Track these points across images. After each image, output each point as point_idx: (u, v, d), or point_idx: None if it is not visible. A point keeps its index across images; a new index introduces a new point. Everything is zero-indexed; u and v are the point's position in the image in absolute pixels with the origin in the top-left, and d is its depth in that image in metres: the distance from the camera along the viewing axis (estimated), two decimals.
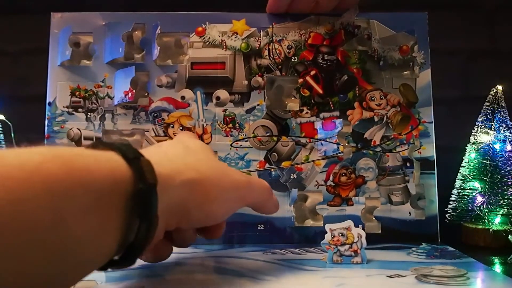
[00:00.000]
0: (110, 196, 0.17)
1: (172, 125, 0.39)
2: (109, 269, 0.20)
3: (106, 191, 0.17)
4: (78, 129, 0.38)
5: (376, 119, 0.39)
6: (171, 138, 0.39)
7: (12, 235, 0.14)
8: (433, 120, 0.39)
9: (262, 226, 0.37)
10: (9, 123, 0.38)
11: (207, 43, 0.40)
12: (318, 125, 0.39)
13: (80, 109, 0.39)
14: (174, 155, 0.24)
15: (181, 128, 0.39)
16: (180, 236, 0.26)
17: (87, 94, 0.39)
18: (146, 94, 0.39)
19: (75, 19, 0.39)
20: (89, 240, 0.17)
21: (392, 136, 0.39)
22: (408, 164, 0.38)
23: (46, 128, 0.38)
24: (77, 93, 0.39)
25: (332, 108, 0.39)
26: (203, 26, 0.40)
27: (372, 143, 0.39)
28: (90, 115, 0.39)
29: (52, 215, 0.15)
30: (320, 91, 0.39)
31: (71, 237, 0.16)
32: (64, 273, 0.16)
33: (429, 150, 0.39)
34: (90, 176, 0.17)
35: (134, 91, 0.39)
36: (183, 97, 0.39)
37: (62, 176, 0.16)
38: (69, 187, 0.16)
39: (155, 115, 0.39)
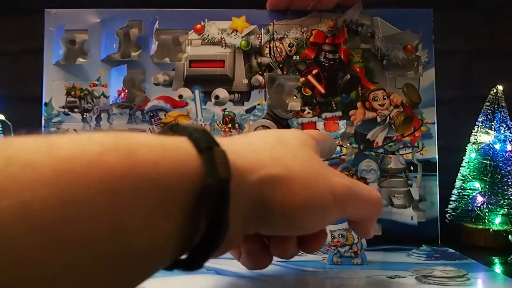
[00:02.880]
0: (176, 194, 0.15)
1: None
2: (175, 269, 0.17)
3: (172, 189, 0.15)
4: (75, 130, 0.39)
5: (379, 119, 0.40)
6: None
7: (62, 249, 0.12)
8: (436, 121, 0.40)
9: None
10: (9, 123, 0.38)
11: (206, 41, 0.40)
12: (320, 125, 0.40)
13: (76, 109, 0.39)
14: (260, 146, 0.20)
15: None
16: (277, 245, 0.23)
17: (82, 94, 0.39)
18: (141, 93, 0.40)
19: (70, 16, 0.40)
20: (149, 249, 0.14)
21: (394, 138, 0.40)
22: (412, 168, 0.40)
23: (43, 129, 0.39)
24: (72, 92, 0.39)
25: (335, 108, 0.40)
26: (202, 23, 0.40)
27: (374, 144, 0.40)
28: (86, 115, 0.39)
29: (111, 221, 0.13)
30: (322, 91, 0.40)
31: (129, 249, 0.14)
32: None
33: (431, 151, 0.40)
34: (155, 172, 0.14)
35: (126, 90, 0.39)
36: (180, 96, 0.40)
37: (125, 171, 0.14)
38: (132, 186, 0.14)
39: (151, 114, 0.40)
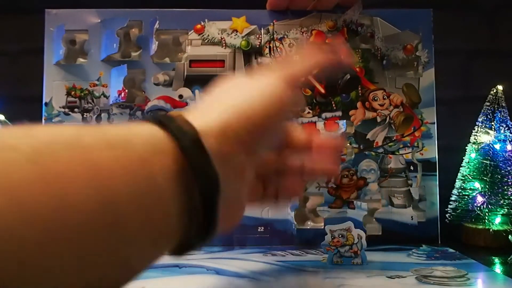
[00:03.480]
0: (158, 165, 0.15)
1: None
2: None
3: (153, 160, 0.15)
4: None
5: (378, 119, 0.40)
6: None
7: (55, 241, 0.12)
8: (435, 121, 0.40)
9: (262, 228, 0.38)
10: (9, 123, 0.39)
11: (206, 41, 0.40)
12: (320, 125, 0.40)
13: (76, 109, 0.40)
14: (220, 98, 0.21)
15: None
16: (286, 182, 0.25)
17: (82, 94, 0.40)
18: (141, 93, 0.40)
19: (70, 16, 0.40)
20: (145, 222, 0.15)
21: (394, 138, 0.40)
22: (411, 168, 0.40)
23: None
24: (72, 92, 0.39)
25: (335, 108, 0.40)
26: (202, 23, 0.40)
27: (374, 144, 0.40)
28: (86, 115, 0.40)
29: (105, 211, 0.13)
30: (322, 91, 0.40)
31: (128, 239, 0.14)
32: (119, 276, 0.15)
33: (431, 151, 0.40)
34: (130, 150, 0.15)
35: (126, 90, 0.39)
36: (181, 96, 0.40)
37: (115, 169, 0.14)
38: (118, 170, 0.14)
39: (151, 114, 0.40)
